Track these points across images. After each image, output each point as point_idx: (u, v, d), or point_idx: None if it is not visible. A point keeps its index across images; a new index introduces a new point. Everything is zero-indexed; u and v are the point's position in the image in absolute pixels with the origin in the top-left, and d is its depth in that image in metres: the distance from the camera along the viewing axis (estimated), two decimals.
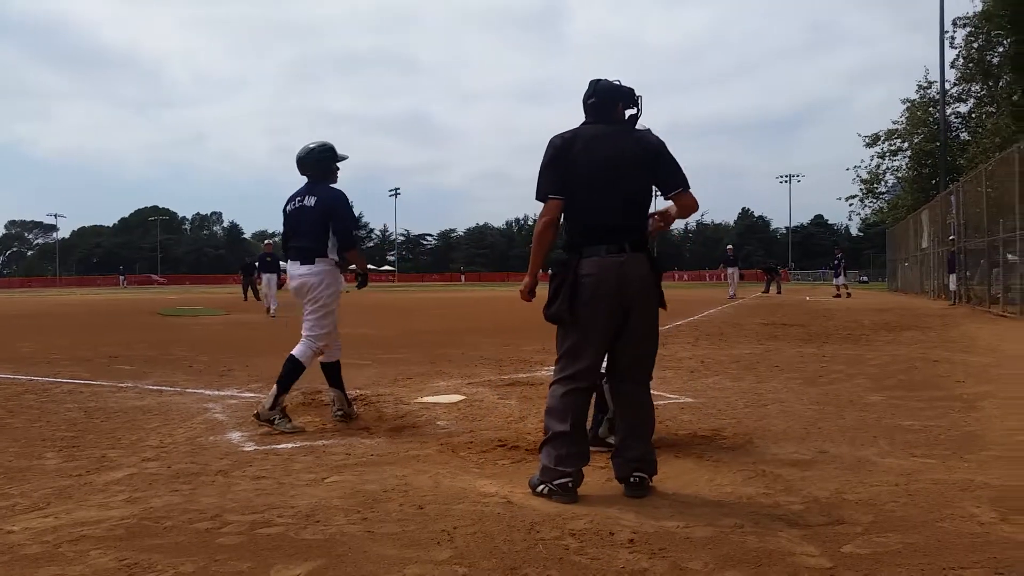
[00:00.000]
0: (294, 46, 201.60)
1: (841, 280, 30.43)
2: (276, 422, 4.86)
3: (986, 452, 4.12)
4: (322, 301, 5.11)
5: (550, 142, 3.55)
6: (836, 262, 30.91)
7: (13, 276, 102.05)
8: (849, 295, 28.10)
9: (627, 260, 3.43)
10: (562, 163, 3.48)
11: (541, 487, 3.36)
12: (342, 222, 5.16)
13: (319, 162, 5.26)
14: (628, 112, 3.63)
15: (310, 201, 5.16)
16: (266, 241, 23.13)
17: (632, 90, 3.64)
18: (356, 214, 5.33)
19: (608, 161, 3.47)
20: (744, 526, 2.99)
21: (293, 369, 4.99)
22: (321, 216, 5.11)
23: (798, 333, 12.19)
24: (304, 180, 5.29)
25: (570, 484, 3.33)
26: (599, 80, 3.66)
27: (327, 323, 5.15)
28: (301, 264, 5.12)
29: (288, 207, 5.28)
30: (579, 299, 3.39)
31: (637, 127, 3.61)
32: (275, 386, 4.93)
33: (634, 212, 3.55)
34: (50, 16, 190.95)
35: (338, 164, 5.36)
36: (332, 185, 5.29)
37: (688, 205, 3.60)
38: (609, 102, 3.60)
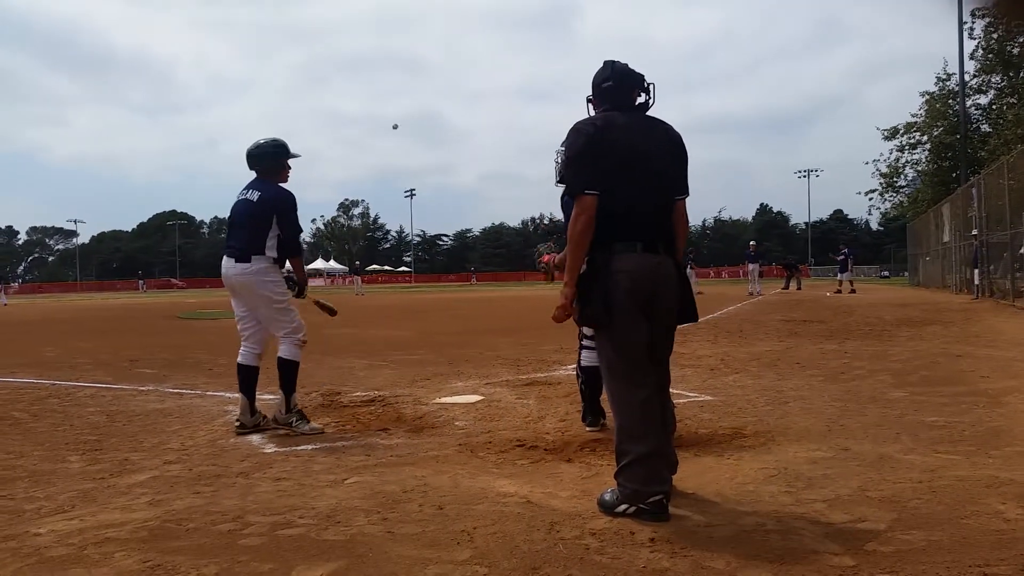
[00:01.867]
0: (302, 49, 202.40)
1: (847, 276, 29.86)
2: (294, 424, 4.87)
3: (1012, 448, 4.07)
4: (274, 297, 4.95)
5: (578, 129, 3.27)
6: (842, 257, 30.30)
7: (35, 281, 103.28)
8: (853, 291, 27.64)
9: (660, 261, 3.25)
10: (596, 153, 3.20)
11: (624, 507, 3.08)
12: (291, 228, 5.00)
13: (267, 156, 5.10)
14: (640, 99, 3.42)
15: (253, 196, 4.98)
16: None
17: (643, 76, 3.44)
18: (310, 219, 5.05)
19: (645, 153, 3.26)
20: (766, 524, 2.97)
21: (288, 369, 4.97)
22: (263, 213, 4.93)
23: (819, 329, 12.09)
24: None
25: (664, 501, 3.07)
26: (615, 62, 3.43)
27: (292, 315, 5.02)
28: (236, 262, 4.93)
29: (234, 201, 5.12)
30: (614, 298, 3.15)
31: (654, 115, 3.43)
32: (281, 392, 4.94)
33: (668, 210, 3.36)
34: (62, 22, 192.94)
35: (289, 162, 5.19)
36: (282, 184, 5.11)
37: (684, 213, 3.46)
38: (627, 87, 3.38)
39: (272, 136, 5.21)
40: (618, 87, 3.37)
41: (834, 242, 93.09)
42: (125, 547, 2.85)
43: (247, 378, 5.03)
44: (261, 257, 4.93)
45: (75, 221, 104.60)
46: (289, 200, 5.06)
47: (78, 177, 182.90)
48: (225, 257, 5.02)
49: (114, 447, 4.62)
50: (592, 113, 3.46)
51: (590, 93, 3.48)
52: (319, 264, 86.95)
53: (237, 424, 4.99)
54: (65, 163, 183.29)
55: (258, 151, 5.13)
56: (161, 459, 4.28)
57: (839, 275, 30.39)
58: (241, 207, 5.02)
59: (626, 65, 3.44)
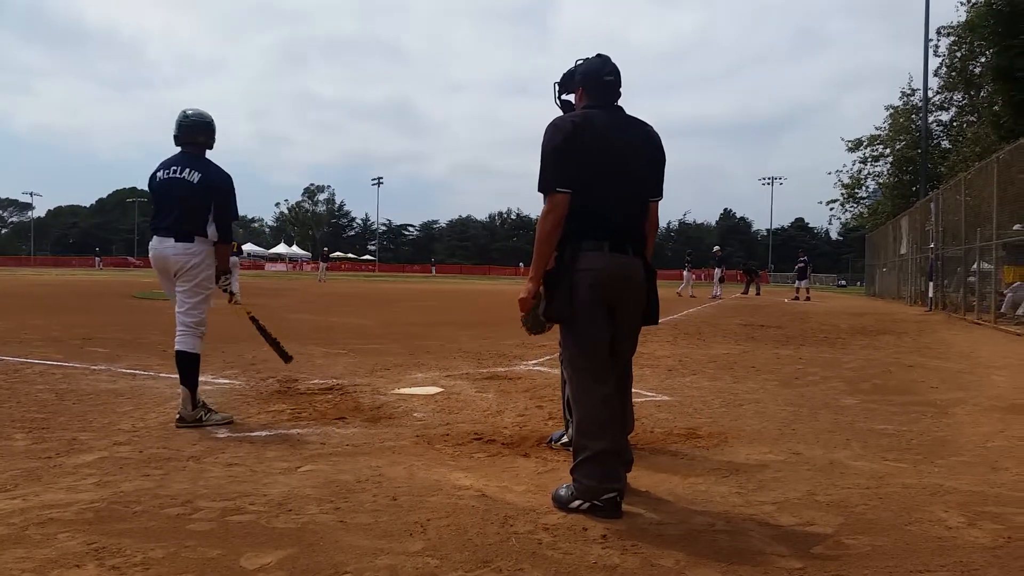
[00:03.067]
0: (278, 30, 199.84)
1: (805, 283, 30.35)
2: (203, 418, 4.65)
3: (956, 458, 4.18)
4: (199, 283, 4.78)
5: (556, 126, 3.24)
6: (801, 264, 30.77)
7: None
8: (808, 299, 28.12)
9: (628, 262, 3.26)
10: (572, 151, 3.18)
11: (578, 503, 3.09)
12: (228, 214, 4.83)
13: (209, 129, 4.94)
14: (607, 79, 3.38)
15: (193, 176, 4.75)
16: None
17: (608, 57, 3.42)
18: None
19: (621, 153, 3.25)
20: (716, 525, 3.00)
21: (189, 363, 4.70)
22: (204, 195, 4.74)
23: (775, 335, 12.28)
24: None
25: (618, 499, 3.09)
26: (585, 59, 3.43)
27: (205, 307, 4.85)
28: (176, 241, 4.72)
29: (160, 174, 4.84)
30: (578, 296, 3.16)
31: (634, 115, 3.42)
32: (183, 388, 4.65)
33: (640, 212, 3.36)
34: None
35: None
36: (218, 166, 4.90)
37: (655, 215, 3.47)
38: (619, 84, 3.37)
39: (200, 109, 5.00)
40: (616, 84, 3.36)
41: (794, 249, 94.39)
42: (69, 528, 2.79)
43: (189, 366, 4.78)
44: (203, 239, 4.78)
45: (31, 193, 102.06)
46: (230, 184, 4.88)
47: (39, 149, 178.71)
48: (159, 237, 4.79)
49: (62, 426, 4.52)
50: (561, 98, 3.46)
51: (570, 79, 3.46)
52: (281, 249, 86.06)
53: (178, 417, 4.71)
54: (27, 133, 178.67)
55: (201, 121, 4.93)
56: (110, 440, 4.20)
57: (797, 282, 30.82)
58: (177, 185, 4.75)
59: (596, 57, 3.43)
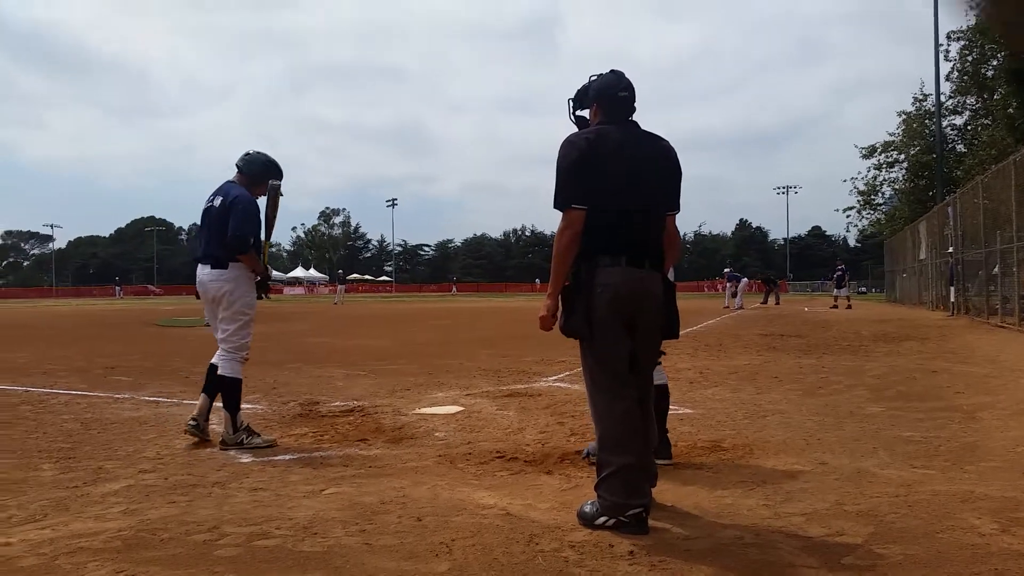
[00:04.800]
0: (283, 56, 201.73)
1: (844, 292, 30.20)
2: (244, 442, 4.71)
3: (986, 463, 4.12)
4: (237, 309, 4.85)
5: (570, 143, 3.26)
6: (839, 273, 30.67)
7: (9, 286, 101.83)
8: (849, 307, 28.02)
9: (646, 277, 3.24)
10: (587, 167, 3.18)
11: (604, 519, 3.07)
12: (237, 224, 4.79)
13: (255, 164, 5.05)
14: (621, 95, 3.38)
15: (216, 201, 4.89)
16: None
17: (621, 72, 3.41)
18: (260, 221, 4.91)
19: (636, 168, 3.25)
20: (744, 538, 2.97)
21: (231, 388, 4.78)
22: (226, 218, 4.81)
23: (797, 344, 12.19)
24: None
25: (644, 514, 3.07)
26: (621, 73, 3.40)
27: (246, 332, 4.91)
28: (212, 268, 4.84)
29: (205, 205, 5.02)
30: (596, 311, 3.15)
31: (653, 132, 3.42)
32: (224, 412, 4.74)
33: (657, 226, 3.35)
34: (40, 24, 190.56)
35: (273, 182, 5.09)
36: (243, 189, 4.96)
37: (674, 229, 3.48)
38: (633, 99, 3.37)
39: (268, 153, 5.16)
40: (631, 99, 3.36)
41: (811, 258, 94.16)
42: (98, 557, 2.81)
43: (214, 379, 4.90)
44: (237, 265, 4.85)
45: (51, 225, 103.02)
46: (244, 199, 4.89)
47: (52, 180, 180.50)
48: (200, 265, 4.92)
49: (88, 455, 4.55)
50: (576, 114, 3.47)
51: (584, 95, 3.44)
52: (299, 272, 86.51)
53: (192, 423, 4.82)
54: (42, 166, 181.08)
55: (249, 157, 5.09)
56: (136, 468, 4.23)
57: (835, 291, 30.65)
58: (211, 213, 4.90)
59: (610, 73, 3.42)
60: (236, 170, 5.10)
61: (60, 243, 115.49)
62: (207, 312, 5.07)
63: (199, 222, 5.05)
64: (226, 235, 4.79)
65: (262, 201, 5.07)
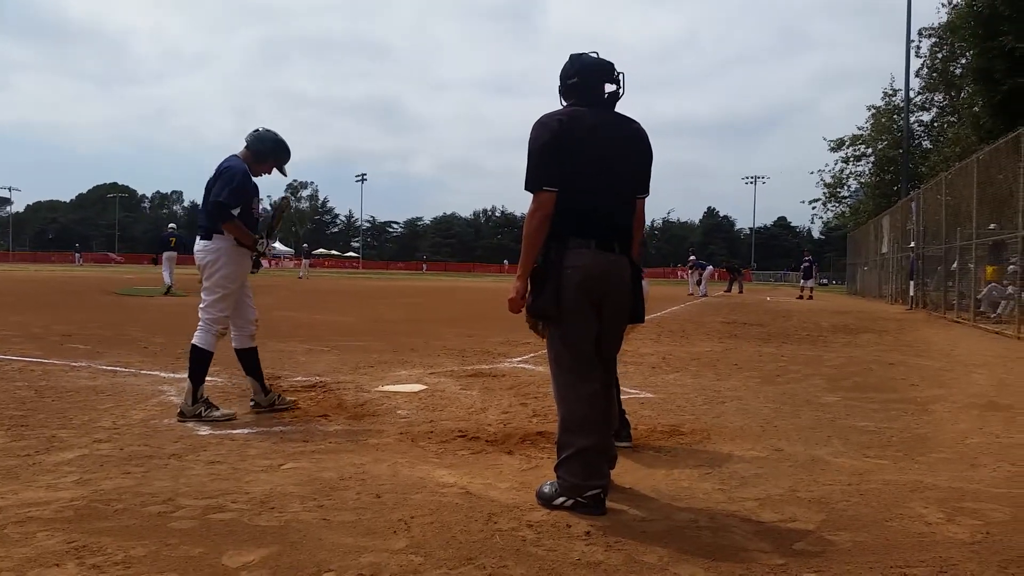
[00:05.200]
0: (262, 25, 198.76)
1: (810, 283, 30.58)
2: (203, 414, 4.66)
3: (936, 454, 4.22)
4: (216, 281, 4.78)
5: (542, 124, 3.21)
6: (806, 264, 31.02)
7: None
8: (811, 298, 28.43)
9: (614, 260, 3.25)
10: (559, 149, 3.16)
11: (562, 500, 3.09)
12: (215, 193, 4.73)
13: (264, 141, 4.99)
14: (608, 88, 3.35)
15: (214, 174, 4.84)
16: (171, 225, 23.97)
17: (612, 64, 3.35)
18: (248, 188, 4.83)
19: (608, 151, 3.24)
20: (699, 521, 3.02)
21: (199, 358, 4.73)
22: (212, 187, 4.80)
23: (758, 333, 12.35)
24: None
25: (602, 495, 3.10)
26: (581, 55, 3.36)
27: (223, 306, 4.83)
28: (199, 239, 4.82)
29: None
30: (565, 293, 3.15)
31: (622, 112, 3.40)
32: (188, 382, 4.71)
33: (628, 209, 3.35)
34: None
35: (275, 167, 5.08)
36: (237, 158, 4.91)
37: (642, 212, 3.47)
38: (595, 81, 3.31)
39: (281, 135, 5.09)
40: (584, 83, 3.31)
41: (776, 248, 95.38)
42: (48, 527, 2.77)
43: (248, 361, 5.00)
44: (222, 237, 4.78)
45: (9, 188, 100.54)
46: (231, 169, 4.79)
47: (16, 144, 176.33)
48: (197, 238, 4.90)
49: (41, 423, 4.47)
50: (562, 106, 3.43)
51: (575, 68, 3.38)
52: None
53: (252, 404, 5.01)
54: (4, 128, 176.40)
55: (258, 134, 5.01)
56: (91, 437, 4.16)
57: (802, 281, 30.99)
58: (207, 185, 4.87)
59: (595, 56, 3.38)
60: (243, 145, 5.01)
61: (19, 207, 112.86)
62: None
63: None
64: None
65: (266, 192, 5.01)
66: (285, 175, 5.20)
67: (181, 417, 4.65)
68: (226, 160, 4.89)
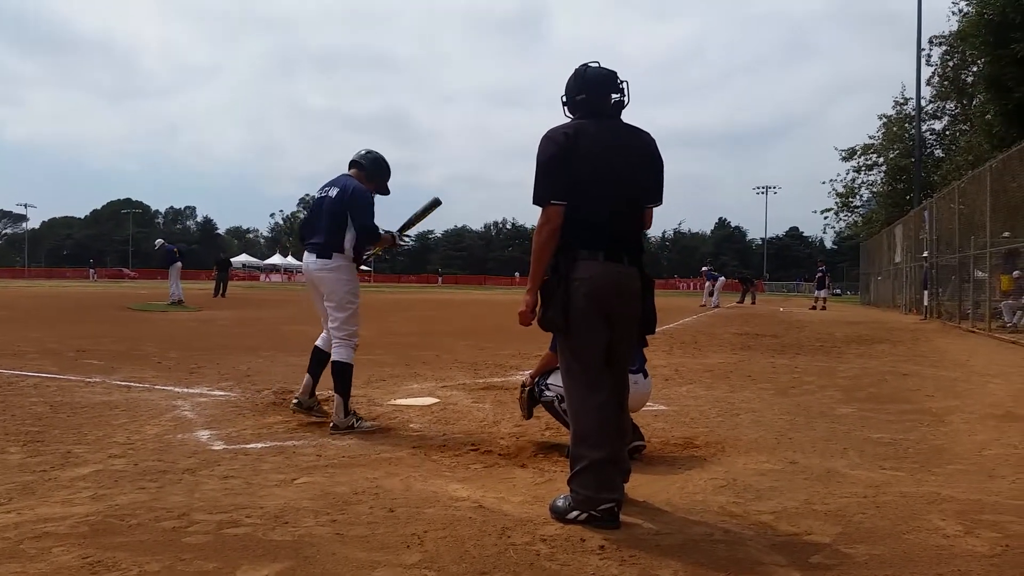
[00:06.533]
0: (271, 39, 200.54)
1: (823, 293, 30.44)
2: (355, 426, 4.88)
3: (953, 466, 4.18)
4: (344, 299, 5.00)
5: (549, 138, 3.23)
6: (819, 274, 30.91)
7: None
8: (824, 308, 28.28)
9: (623, 271, 3.25)
10: (566, 163, 3.17)
11: (576, 514, 3.07)
12: (360, 218, 4.97)
13: (372, 162, 5.21)
14: (614, 97, 3.35)
15: (332, 192, 5.02)
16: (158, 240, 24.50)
17: (615, 73, 3.37)
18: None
19: (615, 162, 3.24)
20: (714, 534, 3.00)
21: (343, 373, 4.94)
22: (340, 208, 4.94)
23: (771, 344, 12.29)
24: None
25: (616, 509, 3.08)
26: (585, 69, 3.36)
27: (355, 320, 5.08)
28: (317, 258, 5.00)
29: (316, 193, 5.21)
30: (573, 305, 3.15)
31: (630, 123, 3.40)
32: (337, 396, 4.91)
33: (636, 220, 3.36)
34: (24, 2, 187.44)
35: (379, 186, 5.25)
36: (358, 183, 5.09)
37: (649, 219, 3.47)
38: (601, 93, 3.31)
39: (374, 157, 5.27)
40: (593, 99, 3.31)
41: (788, 258, 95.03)
42: (64, 542, 2.78)
43: (318, 360, 5.18)
44: (340, 255, 4.98)
45: (25, 205, 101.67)
46: (362, 192, 5.03)
47: (31, 159, 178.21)
48: (307, 252, 5.08)
49: (57, 439, 4.49)
50: (568, 117, 3.43)
51: (579, 83, 3.37)
52: (276, 260, 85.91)
53: (295, 402, 5.20)
54: (19, 144, 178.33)
55: (371, 155, 5.23)
56: (105, 453, 4.18)
57: (816, 291, 30.85)
58: (323, 203, 5.04)
59: (598, 67, 3.38)
60: (352, 166, 5.21)
61: (34, 223, 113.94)
62: (313, 296, 5.25)
63: (310, 207, 5.24)
64: (336, 226, 4.94)
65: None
66: (387, 194, 5.37)
67: (334, 430, 4.83)
68: (348, 182, 5.05)
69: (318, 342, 5.22)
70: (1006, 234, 14.22)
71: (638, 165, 3.35)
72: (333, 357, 5.01)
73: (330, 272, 4.97)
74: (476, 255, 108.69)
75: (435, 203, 5.61)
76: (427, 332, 13.97)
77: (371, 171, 5.18)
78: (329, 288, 4.99)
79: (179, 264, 20.86)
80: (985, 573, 2.62)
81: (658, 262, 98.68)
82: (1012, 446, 4.70)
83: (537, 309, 3.30)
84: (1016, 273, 14.37)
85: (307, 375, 5.21)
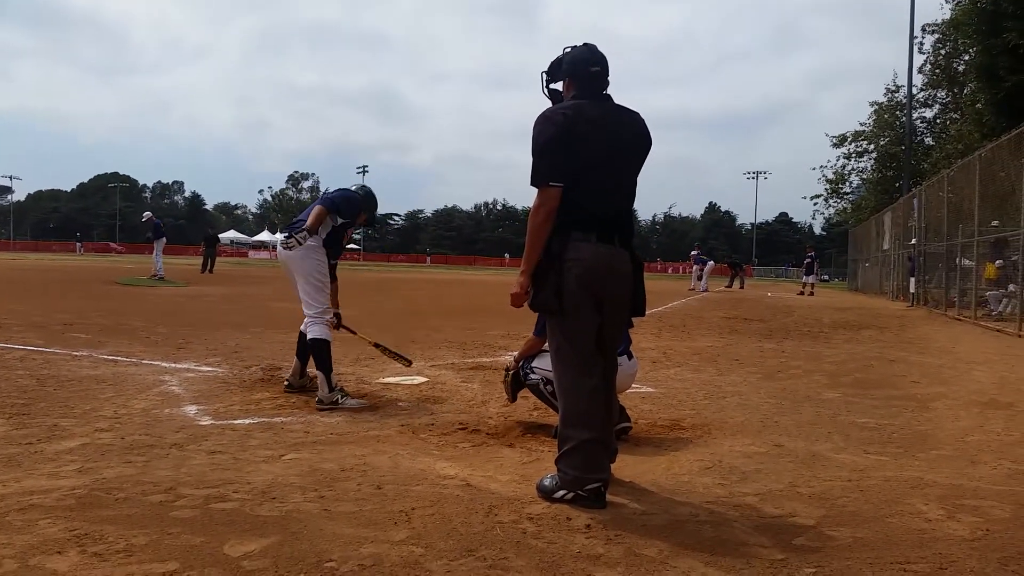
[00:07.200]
0: (261, 15, 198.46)
1: (812, 278, 30.56)
2: (339, 402, 4.90)
3: (936, 451, 4.22)
4: (310, 274, 5.06)
5: (547, 118, 3.21)
6: (808, 259, 31.02)
7: None
8: (812, 294, 28.41)
9: (615, 253, 3.25)
10: (564, 144, 3.14)
11: (563, 493, 3.09)
12: (331, 197, 5.26)
13: (367, 195, 5.55)
14: (603, 77, 3.34)
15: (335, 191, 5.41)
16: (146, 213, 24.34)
17: (594, 47, 3.37)
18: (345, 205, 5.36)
19: (612, 145, 3.23)
20: (699, 515, 3.02)
21: (320, 348, 4.98)
22: (319, 199, 5.25)
23: (759, 328, 12.35)
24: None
25: (602, 489, 3.10)
26: (563, 54, 3.35)
27: (322, 297, 5.12)
28: (285, 239, 5.12)
29: None
30: (566, 287, 3.14)
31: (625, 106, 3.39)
32: (319, 373, 4.94)
33: (629, 202, 3.39)
34: None
35: (374, 215, 5.67)
36: (351, 190, 5.47)
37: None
38: (606, 73, 3.33)
39: (369, 190, 5.65)
40: (603, 73, 3.31)
41: (777, 244, 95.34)
42: (50, 514, 2.77)
43: (305, 345, 5.22)
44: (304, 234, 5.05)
45: (11, 177, 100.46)
46: (347, 192, 5.37)
47: (18, 132, 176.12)
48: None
49: (43, 412, 4.47)
50: (550, 87, 3.41)
51: (557, 67, 3.37)
52: (264, 236, 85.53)
53: (286, 384, 5.37)
54: (6, 116, 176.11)
55: (361, 187, 5.63)
56: (92, 427, 4.16)
57: (804, 277, 30.95)
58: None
59: (586, 47, 3.37)
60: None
61: (20, 196, 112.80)
62: (289, 281, 5.34)
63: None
64: (306, 215, 5.10)
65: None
66: (375, 224, 5.59)
67: (320, 405, 4.85)
68: (342, 191, 5.42)
69: (302, 327, 5.23)
70: (995, 223, 14.30)
71: (631, 146, 3.35)
72: (308, 336, 5.06)
73: (296, 251, 5.01)
74: (466, 235, 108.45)
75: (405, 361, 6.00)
76: (416, 311, 13.96)
77: (363, 204, 5.46)
78: (296, 266, 5.07)
79: (164, 239, 20.92)
80: (966, 557, 2.65)
81: (648, 246, 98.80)
82: (994, 433, 4.75)
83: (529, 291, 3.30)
84: (999, 263, 14.46)
85: (296, 359, 5.35)
